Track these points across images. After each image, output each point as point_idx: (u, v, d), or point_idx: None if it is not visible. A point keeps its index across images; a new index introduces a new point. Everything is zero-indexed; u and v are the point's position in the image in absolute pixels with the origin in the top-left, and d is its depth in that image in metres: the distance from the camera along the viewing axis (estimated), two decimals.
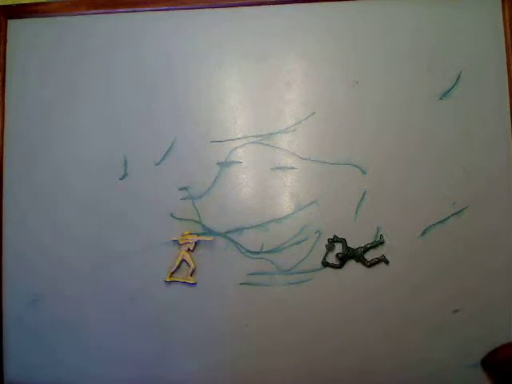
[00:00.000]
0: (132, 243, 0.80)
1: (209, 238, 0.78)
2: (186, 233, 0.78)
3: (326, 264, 0.76)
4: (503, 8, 0.76)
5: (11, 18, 0.85)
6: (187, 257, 0.78)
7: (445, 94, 0.76)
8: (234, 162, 0.79)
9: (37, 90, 0.83)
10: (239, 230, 0.78)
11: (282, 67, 0.79)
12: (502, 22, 0.76)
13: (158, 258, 0.79)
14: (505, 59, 0.76)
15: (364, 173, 0.77)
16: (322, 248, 0.76)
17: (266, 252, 0.77)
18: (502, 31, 0.76)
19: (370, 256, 0.76)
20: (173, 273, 0.78)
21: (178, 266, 0.78)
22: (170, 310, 0.79)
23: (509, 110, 0.75)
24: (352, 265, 0.76)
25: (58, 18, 0.84)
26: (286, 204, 0.78)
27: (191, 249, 0.78)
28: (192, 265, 0.78)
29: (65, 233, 0.81)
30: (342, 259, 0.76)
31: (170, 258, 0.79)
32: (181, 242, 0.78)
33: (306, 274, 0.76)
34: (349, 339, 0.76)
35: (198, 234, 0.78)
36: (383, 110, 0.77)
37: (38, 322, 0.82)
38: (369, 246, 0.76)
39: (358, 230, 0.76)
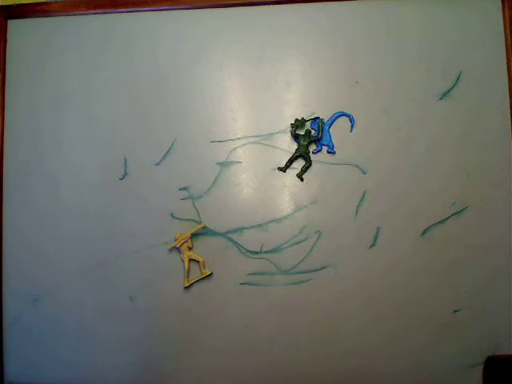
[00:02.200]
0: (132, 243, 0.80)
1: (200, 227, 0.77)
2: (178, 234, 0.78)
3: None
4: (503, 8, 0.76)
5: (11, 18, 0.85)
6: (192, 255, 0.77)
7: (445, 94, 0.76)
8: (233, 162, 0.79)
9: (37, 90, 0.83)
10: (239, 230, 0.78)
11: (282, 67, 0.79)
12: (502, 22, 0.76)
13: (158, 257, 0.79)
14: (505, 59, 0.76)
15: (364, 173, 0.77)
16: (322, 248, 0.76)
17: (266, 252, 0.77)
18: (502, 31, 0.76)
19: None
20: (187, 277, 0.78)
21: (189, 268, 0.78)
22: (170, 310, 0.79)
23: (509, 110, 0.75)
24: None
25: (58, 18, 0.84)
26: (285, 204, 0.78)
27: (190, 247, 0.78)
28: (201, 259, 0.77)
29: (65, 233, 0.81)
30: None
31: (170, 257, 0.79)
32: (178, 246, 0.78)
33: (306, 274, 0.77)
34: (349, 340, 0.76)
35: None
36: (383, 110, 0.77)
37: (38, 322, 0.82)
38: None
39: (358, 230, 0.76)
